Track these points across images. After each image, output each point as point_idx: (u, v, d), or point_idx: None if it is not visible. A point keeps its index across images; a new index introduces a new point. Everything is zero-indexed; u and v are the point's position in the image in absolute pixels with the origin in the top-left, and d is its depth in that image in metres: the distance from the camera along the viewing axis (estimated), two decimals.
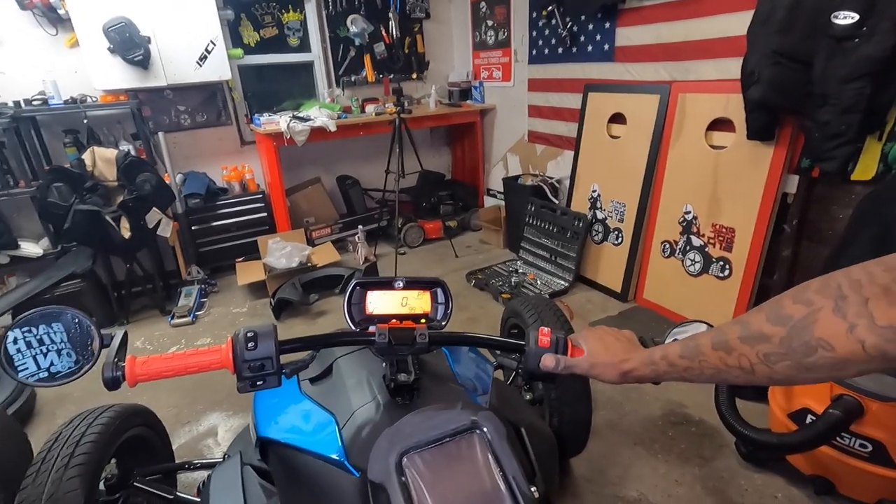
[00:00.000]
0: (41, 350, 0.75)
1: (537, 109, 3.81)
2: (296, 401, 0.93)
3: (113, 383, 0.66)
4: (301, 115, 3.62)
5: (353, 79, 4.23)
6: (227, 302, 3.39)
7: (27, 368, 0.72)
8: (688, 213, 2.68)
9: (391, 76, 4.36)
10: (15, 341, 0.73)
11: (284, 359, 0.73)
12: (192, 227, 3.57)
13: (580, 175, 3.33)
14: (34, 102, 2.95)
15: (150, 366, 0.67)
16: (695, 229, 2.66)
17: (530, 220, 3.54)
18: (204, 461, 1.57)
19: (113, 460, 1.42)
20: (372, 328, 0.79)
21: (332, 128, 3.56)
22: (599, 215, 3.20)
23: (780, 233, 2.39)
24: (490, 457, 0.62)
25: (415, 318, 0.85)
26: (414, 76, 4.48)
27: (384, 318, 0.84)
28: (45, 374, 0.73)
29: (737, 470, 1.81)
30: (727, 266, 2.52)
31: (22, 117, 2.91)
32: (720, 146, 2.50)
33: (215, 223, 3.65)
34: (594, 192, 3.22)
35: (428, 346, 0.77)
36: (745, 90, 2.17)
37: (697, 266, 2.67)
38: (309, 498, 0.75)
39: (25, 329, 0.73)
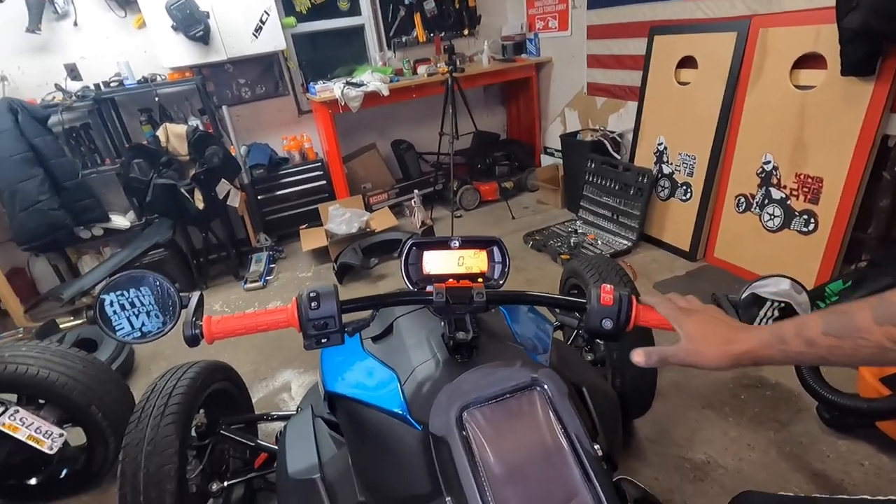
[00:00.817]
0: (133, 312, 0.82)
1: (597, 59, 3.58)
2: (359, 358, 0.96)
3: (192, 341, 0.71)
4: (354, 80, 3.63)
5: (403, 40, 4.15)
6: (293, 267, 3.56)
7: (123, 328, 0.79)
8: (767, 163, 2.46)
9: (442, 34, 4.24)
10: (111, 304, 0.81)
11: (346, 318, 0.75)
12: (258, 197, 3.74)
13: (645, 127, 3.13)
14: (111, 84, 3.15)
15: (225, 324, 0.72)
16: (775, 181, 2.44)
17: (590, 178, 3.40)
18: (280, 413, 1.69)
19: (201, 411, 1.57)
20: (429, 288, 0.79)
21: (385, 92, 3.54)
22: (666, 170, 3.00)
23: (877, 181, 2.14)
24: (551, 414, 0.61)
25: (472, 277, 0.84)
26: (465, 32, 4.33)
27: (441, 278, 0.84)
28: (138, 333, 0.80)
29: (817, 435, 1.70)
30: (812, 220, 2.30)
31: (102, 99, 3.12)
32: (807, 86, 2.24)
33: (279, 192, 3.80)
34: (660, 144, 3.02)
35: (485, 305, 0.77)
36: (841, 18, 1.91)
37: (777, 221, 2.46)
38: (374, 449, 0.79)
39: (118, 293, 0.81)
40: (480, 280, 0.84)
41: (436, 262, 0.84)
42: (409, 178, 4.28)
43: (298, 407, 1.43)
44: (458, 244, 0.84)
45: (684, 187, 2.90)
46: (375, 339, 1.02)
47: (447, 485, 0.59)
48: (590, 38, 3.58)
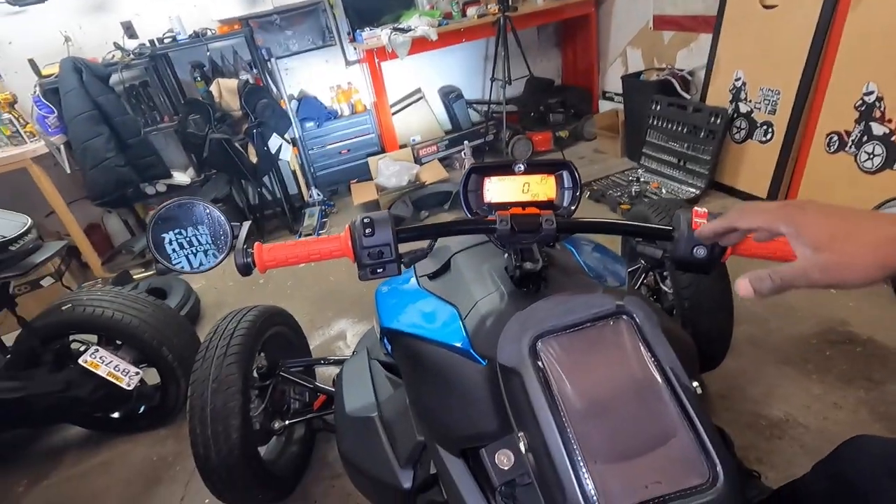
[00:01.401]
0: (192, 251, 0.81)
1: None
2: (417, 295, 0.92)
3: (245, 269, 0.68)
4: (401, 26, 3.48)
5: None
6: (345, 221, 3.57)
7: (180, 263, 0.77)
8: (869, 94, 2.14)
9: None
10: (170, 243, 0.80)
11: (402, 249, 0.69)
12: (309, 151, 3.74)
13: (720, 61, 2.82)
14: (165, 40, 3.18)
15: (276, 252, 0.68)
16: (877, 114, 2.13)
17: (654, 122, 3.13)
18: (336, 358, 1.71)
19: (262, 354, 1.61)
20: (492, 216, 0.72)
21: (433, 36, 3.38)
22: (743, 108, 2.71)
23: None
24: (641, 345, 0.53)
25: (538, 205, 0.76)
26: None
27: (504, 206, 0.76)
28: (196, 264, 0.79)
29: None
30: None
31: (158, 55, 3.17)
32: None
33: (329, 146, 3.79)
34: (738, 80, 2.71)
35: (555, 234, 0.68)
36: None
37: (877, 160, 2.17)
38: (435, 386, 0.75)
39: (176, 231, 0.79)
40: (548, 209, 0.75)
41: (498, 189, 0.76)
42: (459, 128, 4.14)
43: (354, 351, 1.43)
44: (522, 168, 0.75)
45: (764, 127, 2.61)
46: (432, 276, 0.97)
47: (519, 420, 0.54)
48: None
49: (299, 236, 3.38)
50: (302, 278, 2.90)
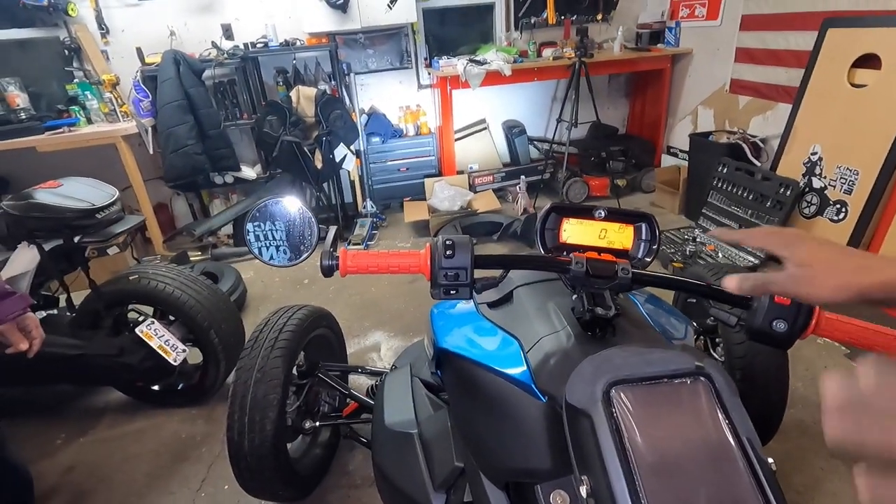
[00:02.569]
0: (265, 244, 0.86)
1: (748, 53, 3.21)
2: (476, 321, 0.93)
3: (328, 271, 0.72)
4: (478, 58, 3.60)
5: (532, 21, 4.03)
6: (393, 236, 3.66)
7: (260, 253, 0.83)
8: None
9: (573, 17, 4.05)
10: (249, 232, 0.86)
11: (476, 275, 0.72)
12: (370, 165, 3.88)
13: (797, 133, 2.75)
14: (258, 45, 3.41)
15: (360, 260, 0.71)
16: None
17: (718, 184, 3.08)
18: (372, 369, 1.74)
19: (303, 353, 1.65)
20: (567, 256, 0.73)
21: (507, 72, 3.47)
22: (816, 183, 2.63)
23: None
24: (719, 410, 0.53)
25: (614, 252, 0.77)
26: (599, 17, 4.10)
27: (579, 249, 0.77)
28: (270, 258, 0.84)
29: None
30: None
31: (249, 57, 3.40)
32: None
33: (390, 162, 3.91)
34: (814, 154, 2.64)
35: (630, 284, 0.69)
36: None
37: None
38: (487, 415, 0.75)
39: (256, 224, 0.85)
40: (624, 258, 0.76)
41: (576, 231, 0.78)
42: (517, 163, 4.19)
43: (393, 365, 1.45)
44: (603, 215, 0.77)
45: (838, 205, 2.52)
46: (492, 304, 0.98)
47: (582, 463, 0.54)
48: (743, 29, 3.21)
49: (348, 244, 3.48)
50: (345, 285, 2.97)
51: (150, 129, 3.25)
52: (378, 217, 3.85)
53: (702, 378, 0.55)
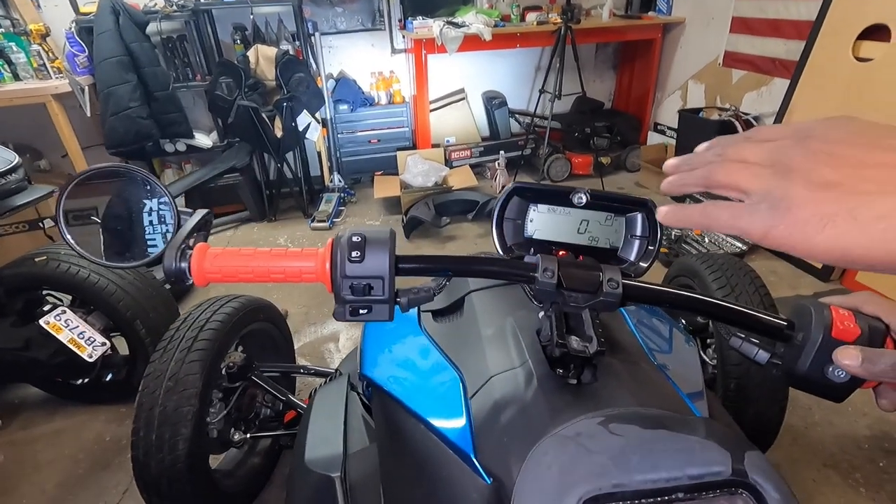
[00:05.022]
0: (93, 232, 0.61)
1: (745, 23, 2.98)
2: (413, 338, 0.71)
3: (176, 275, 0.49)
4: (456, 20, 3.30)
5: None
6: (362, 213, 3.41)
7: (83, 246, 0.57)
8: None
9: None
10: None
11: (403, 283, 0.50)
12: (338, 135, 3.59)
13: (794, 110, 2.56)
14: None
15: (224, 261, 0.48)
16: None
17: None
18: (319, 369, 1.52)
19: (240, 348, 1.43)
20: (531, 258, 0.52)
21: (487, 36, 3.19)
22: None
23: None
24: None
25: (596, 253, 0.56)
26: None
27: (549, 247, 0.56)
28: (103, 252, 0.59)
29: None
30: None
31: (200, 9, 3.04)
32: None
33: (359, 133, 3.63)
34: None
35: (620, 301, 0.48)
36: None
37: None
38: (413, 480, 0.55)
39: (80, 202, 0.59)
40: (612, 261, 0.55)
41: (546, 222, 0.56)
42: (497, 137, 3.94)
43: (337, 369, 1.24)
44: (584, 200, 0.55)
45: None
46: (438, 314, 0.77)
47: None
48: None
49: (312, 221, 3.22)
50: None
51: (86, 88, 2.90)
52: (346, 192, 3.59)
53: (742, 493, 0.34)
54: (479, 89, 4.00)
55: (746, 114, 2.96)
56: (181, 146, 3.29)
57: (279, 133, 3.05)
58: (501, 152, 3.61)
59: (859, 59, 2.26)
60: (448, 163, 3.66)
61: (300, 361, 1.90)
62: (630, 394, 0.47)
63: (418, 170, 3.38)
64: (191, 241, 0.52)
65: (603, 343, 0.47)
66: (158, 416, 1.09)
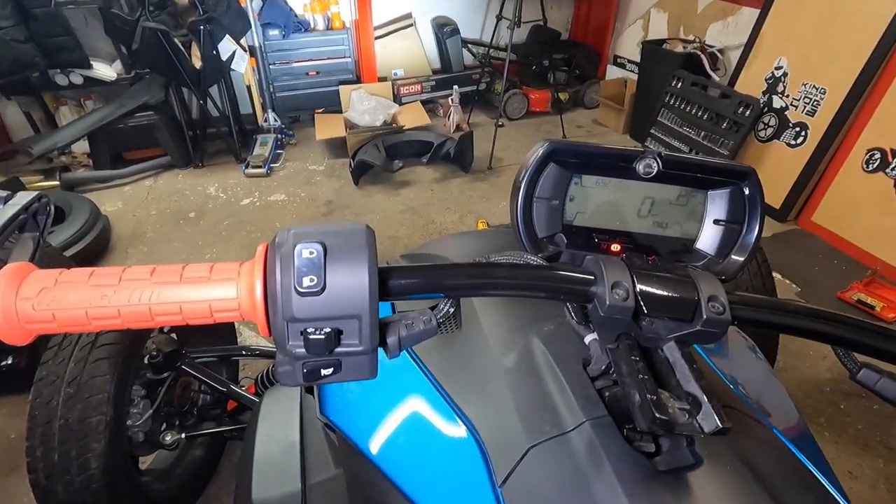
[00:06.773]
0: None
1: None
2: (397, 366, 0.50)
3: None
4: None
5: None
6: (303, 157, 3.07)
7: None
8: None
9: None
10: None
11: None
12: (270, 66, 3.14)
13: (763, 43, 2.45)
14: None
15: (64, 295, 0.26)
16: None
17: (671, 100, 2.77)
18: (265, 349, 1.31)
19: (167, 330, 1.19)
20: (589, 263, 0.33)
21: None
22: (777, 103, 2.38)
23: None
24: None
25: (664, 245, 0.38)
26: None
27: (601, 240, 0.38)
28: None
29: None
30: None
31: None
32: None
33: (295, 64, 3.19)
34: (779, 69, 2.37)
35: (728, 323, 0.31)
36: None
37: None
38: None
39: None
40: (691, 259, 0.38)
41: (594, 201, 0.37)
42: (449, 70, 3.61)
43: None
44: (655, 168, 0.37)
45: (797, 128, 2.31)
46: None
47: None
48: None
49: (246, 167, 2.85)
50: (245, 219, 2.43)
51: None
52: (284, 133, 3.20)
53: None
54: (428, 14, 3.60)
55: (712, 46, 2.83)
56: (77, 78, 2.75)
57: (198, 63, 2.60)
58: (455, 87, 3.32)
59: None
60: (397, 98, 3.33)
61: (247, 341, 1.67)
62: (762, 489, 0.32)
63: (364, 107, 3.05)
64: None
65: (721, 411, 0.30)
66: (59, 432, 0.87)
